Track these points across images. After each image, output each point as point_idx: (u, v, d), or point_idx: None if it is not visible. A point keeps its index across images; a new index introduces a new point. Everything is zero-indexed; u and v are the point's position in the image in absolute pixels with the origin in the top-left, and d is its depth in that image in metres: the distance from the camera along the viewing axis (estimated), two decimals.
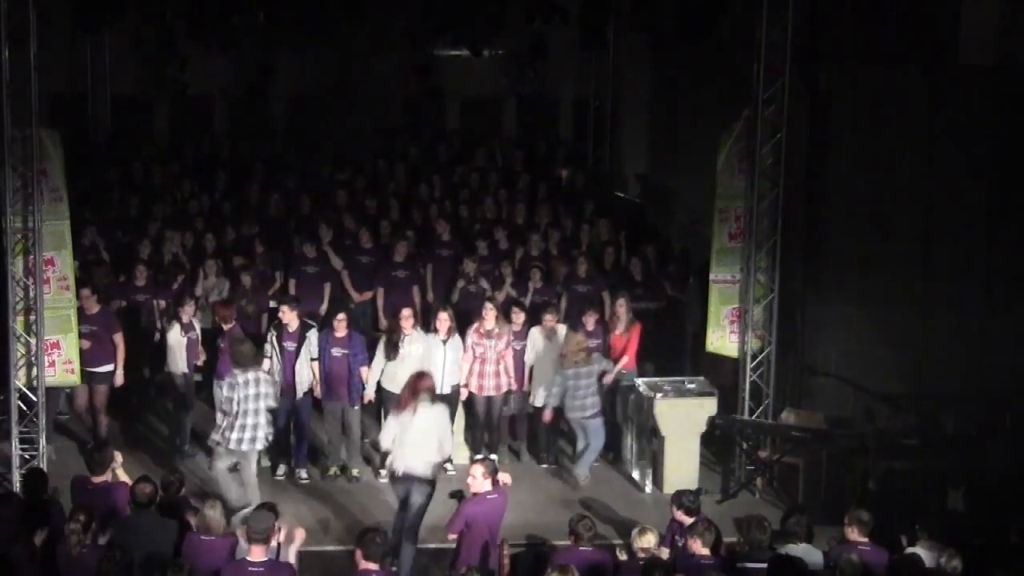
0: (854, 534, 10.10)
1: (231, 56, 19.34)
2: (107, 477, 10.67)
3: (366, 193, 17.77)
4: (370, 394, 13.45)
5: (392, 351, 13.34)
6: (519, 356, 13.92)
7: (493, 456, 13.84)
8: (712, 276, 14.19)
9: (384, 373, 13.44)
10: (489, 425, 14.03)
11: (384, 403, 13.59)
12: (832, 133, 14.20)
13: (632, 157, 21.23)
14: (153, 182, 17.94)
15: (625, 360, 14.08)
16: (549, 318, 13.82)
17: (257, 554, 9.03)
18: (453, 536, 10.46)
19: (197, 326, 14.00)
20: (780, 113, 13.48)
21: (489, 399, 13.86)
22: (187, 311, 13.84)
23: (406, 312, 13.51)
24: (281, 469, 13.58)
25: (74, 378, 13.32)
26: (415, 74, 20.87)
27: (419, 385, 11.67)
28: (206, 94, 20.99)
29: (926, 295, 14.09)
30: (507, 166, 19.38)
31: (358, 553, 9.05)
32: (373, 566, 8.98)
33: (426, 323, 15.44)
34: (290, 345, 13.30)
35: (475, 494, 10.47)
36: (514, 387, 13.94)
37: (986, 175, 13.97)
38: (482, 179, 18.55)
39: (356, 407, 13.50)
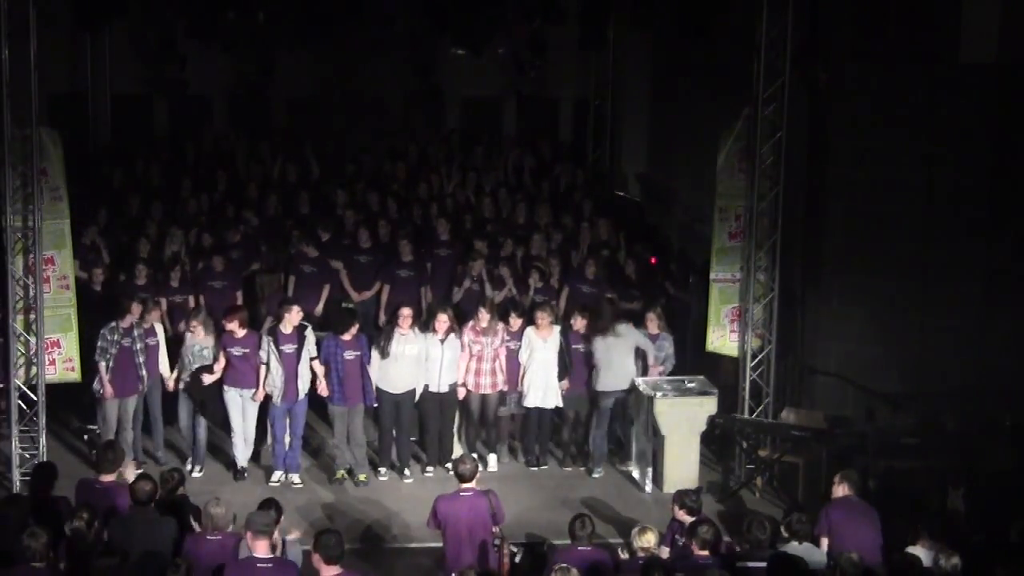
0: (846, 490, 10.45)
1: (231, 56, 19.33)
2: (114, 477, 10.65)
3: (366, 192, 17.75)
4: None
5: (385, 348, 13.38)
6: (514, 356, 13.92)
7: (491, 455, 13.87)
8: (712, 275, 14.20)
9: (379, 373, 13.48)
10: (484, 423, 14.03)
11: (379, 403, 13.63)
12: (832, 133, 14.19)
13: (632, 157, 21.24)
14: (153, 181, 17.92)
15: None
16: (543, 316, 13.80)
17: (262, 549, 9.01)
18: (437, 531, 10.51)
19: (160, 332, 13.75)
20: (780, 113, 13.49)
21: (484, 397, 13.87)
22: (153, 315, 13.63)
23: (405, 311, 13.52)
24: (276, 476, 13.53)
25: (74, 375, 13.32)
26: (415, 74, 20.86)
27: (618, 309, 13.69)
28: (206, 94, 20.98)
29: (926, 295, 14.09)
30: (506, 165, 19.34)
31: (315, 557, 8.90)
32: (335, 569, 8.89)
33: (427, 322, 15.46)
34: (288, 348, 13.25)
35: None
36: (508, 387, 13.93)
37: (986, 175, 13.98)
38: (480, 179, 18.54)
39: (360, 407, 13.48)
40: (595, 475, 13.94)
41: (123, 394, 13.39)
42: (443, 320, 13.57)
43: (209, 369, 13.34)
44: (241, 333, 13.37)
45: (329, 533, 9.00)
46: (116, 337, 13.25)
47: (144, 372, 13.45)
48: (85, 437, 14.20)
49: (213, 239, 15.98)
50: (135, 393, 13.49)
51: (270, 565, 8.99)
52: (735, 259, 14.01)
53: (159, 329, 13.78)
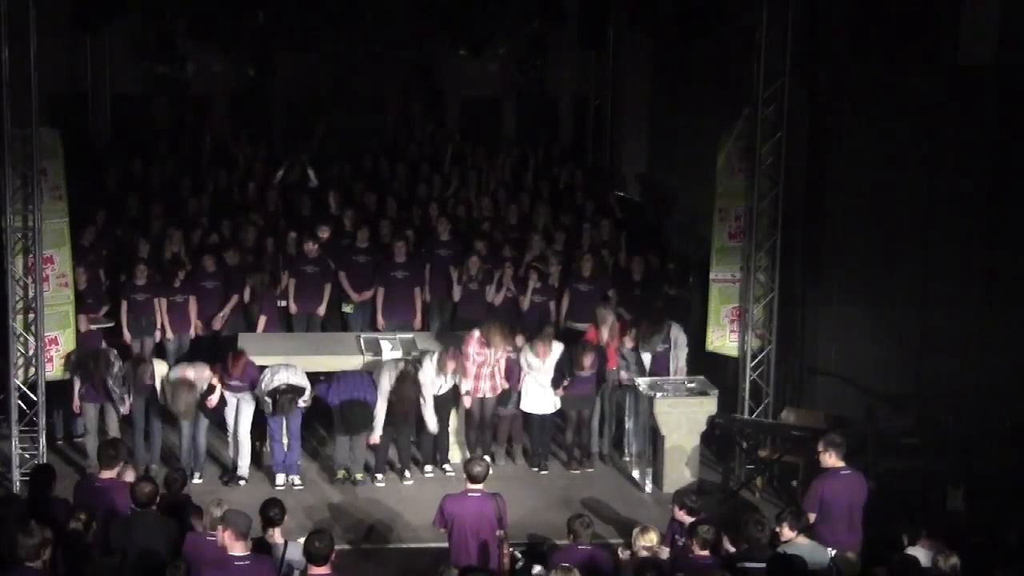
0: (832, 459, 10.57)
1: (231, 56, 19.33)
2: (114, 474, 10.63)
3: (364, 192, 17.74)
4: (376, 437, 13.48)
5: None
6: (514, 361, 13.91)
7: (486, 457, 13.84)
8: (712, 275, 14.21)
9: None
10: (483, 426, 14.03)
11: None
12: (832, 133, 14.20)
13: (632, 157, 21.22)
14: (152, 181, 17.92)
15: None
16: (543, 346, 13.68)
17: (239, 549, 9.02)
18: (442, 530, 10.51)
19: (157, 367, 13.46)
20: (780, 113, 13.50)
21: (483, 400, 13.88)
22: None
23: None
24: (279, 480, 13.53)
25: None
26: (415, 74, 20.85)
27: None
28: (206, 93, 20.97)
29: (926, 295, 14.11)
30: (503, 166, 19.33)
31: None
32: (323, 570, 8.85)
33: (425, 323, 15.45)
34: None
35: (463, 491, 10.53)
36: (509, 387, 13.94)
37: (986, 175, 13.99)
38: (480, 179, 18.53)
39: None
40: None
41: (98, 400, 13.32)
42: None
43: (211, 390, 13.29)
44: (237, 380, 13.29)
45: (315, 535, 8.93)
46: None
47: (115, 398, 13.26)
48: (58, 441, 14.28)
49: (220, 239, 15.96)
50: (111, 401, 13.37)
51: (247, 563, 8.99)
52: (735, 259, 14.02)
53: (158, 364, 13.47)
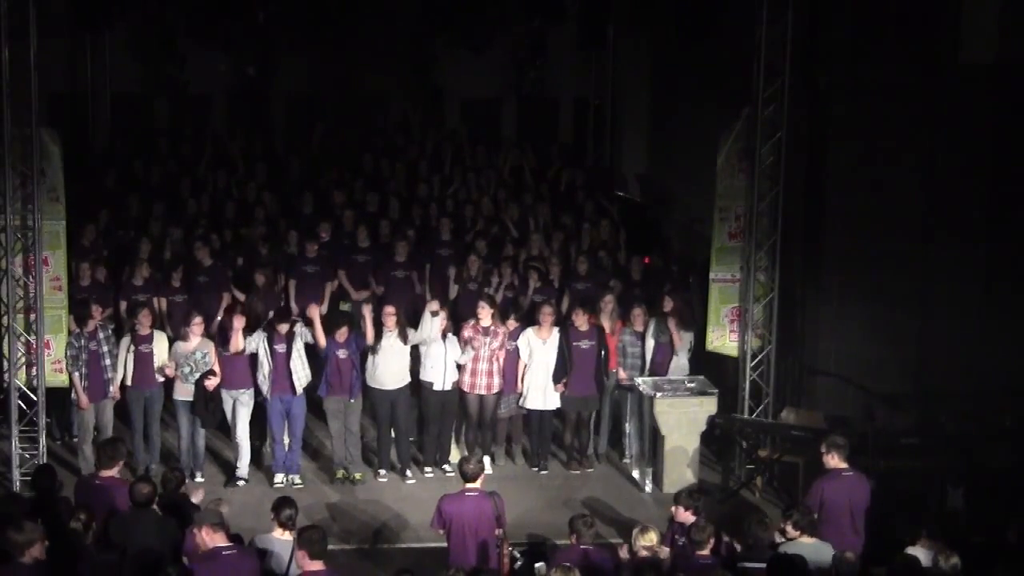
0: (834, 460, 10.61)
1: (231, 56, 19.32)
2: (114, 472, 10.63)
3: (365, 192, 17.73)
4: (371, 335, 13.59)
5: (374, 346, 13.52)
6: (513, 357, 13.93)
7: (486, 457, 13.84)
8: (712, 275, 14.21)
9: (367, 372, 13.59)
10: (482, 425, 14.03)
11: (372, 402, 13.72)
12: (832, 133, 14.20)
13: (632, 157, 21.22)
14: (152, 181, 17.91)
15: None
16: (546, 313, 13.83)
17: (221, 540, 9.07)
18: (440, 532, 10.51)
19: (158, 340, 13.56)
20: (780, 113, 13.50)
21: (481, 398, 13.88)
22: (144, 322, 13.50)
23: (389, 310, 13.61)
24: (278, 478, 13.55)
25: (63, 377, 13.28)
26: (415, 74, 20.85)
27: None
28: (206, 93, 20.97)
29: (926, 295, 14.10)
30: (503, 166, 19.31)
31: (299, 553, 8.90)
32: (318, 564, 8.90)
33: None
34: (280, 347, 13.30)
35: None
36: (506, 389, 13.95)
37: (986, 175, 13.99)
38: (480, 179, 18.52)
39: (354, 399, 13.51)
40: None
41: (97, 398, 13.30)
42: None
43: (212, 373, 13.30)
44: (239, 333, 13.36)
45: (311, 529, 8.99)
46: (83, 342, 13.18)
47: (109, 376, 13.26)
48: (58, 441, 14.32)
49: (221, 240, 15.94)
50: (109, 397, 13.36)
51: (234, 552, 9.06)
52: (735, 259, 14.02)
53: (159, 337, 13.58)
